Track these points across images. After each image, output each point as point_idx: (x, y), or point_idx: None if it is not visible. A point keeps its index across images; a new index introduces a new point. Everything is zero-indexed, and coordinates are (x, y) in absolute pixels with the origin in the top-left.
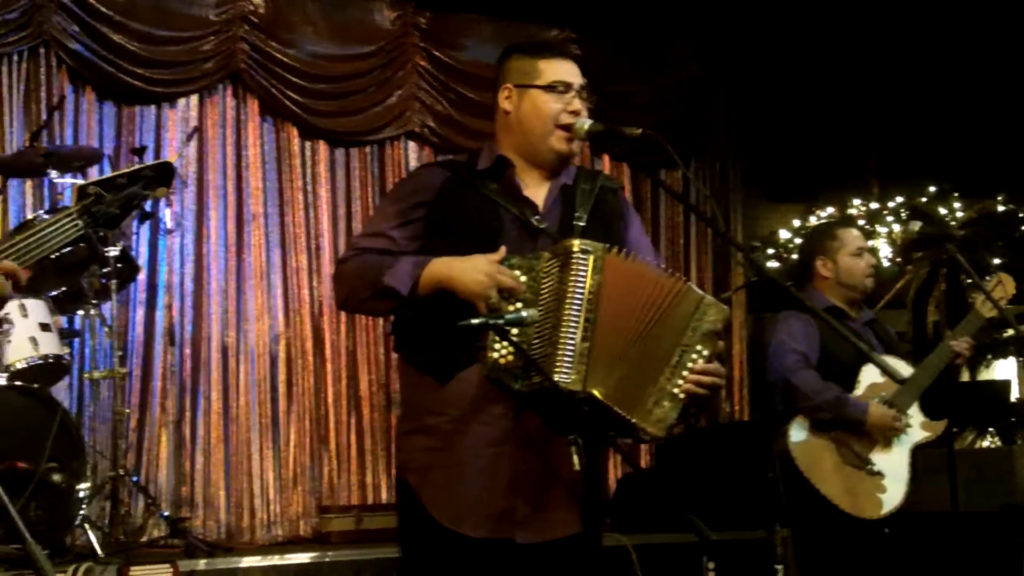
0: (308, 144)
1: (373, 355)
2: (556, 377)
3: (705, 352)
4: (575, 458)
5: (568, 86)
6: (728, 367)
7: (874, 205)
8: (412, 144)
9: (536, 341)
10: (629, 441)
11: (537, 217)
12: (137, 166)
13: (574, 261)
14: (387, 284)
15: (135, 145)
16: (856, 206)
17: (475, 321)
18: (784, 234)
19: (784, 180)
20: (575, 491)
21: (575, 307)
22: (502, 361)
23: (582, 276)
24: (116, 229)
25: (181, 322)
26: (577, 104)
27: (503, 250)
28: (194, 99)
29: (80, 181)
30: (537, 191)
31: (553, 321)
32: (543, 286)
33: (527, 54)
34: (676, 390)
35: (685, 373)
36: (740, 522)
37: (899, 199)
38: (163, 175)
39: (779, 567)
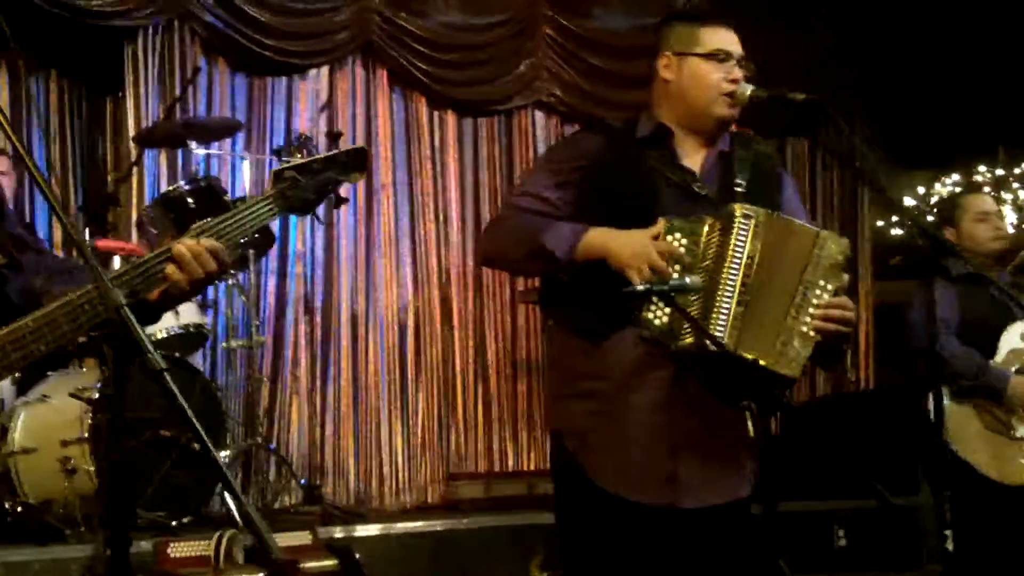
0: (436, 114)
1: (500, 324)
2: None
3: (830, 287)
4: (750, 424)
5: (728, 55)
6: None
7: (1000, 171)
8: (540, 114)
9: (694, 304)
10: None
11: (699, 184)
12: (333, 152)
13: (736, 225)
14: (546, 246)
15: (267, 116)
16: (982, 172)
17: (640, 288)
18: (909, 201)
19: (911, 146)
20: (736, 456)
21: (733, 271)
22: (657, 323)
23: (742, 240)
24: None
25: (312, 291)
26: (737, 73)
27: (661, 223)
28: (324, 70)
29: (213, 151)
30: (695, 158)
31: (712, 284)
32: (705, 250)
33: (688, 21)
34: (804, 328)
35: (812, 310)
36: (872, 491)
37: None
38: (357, 160)
39: (948, 532)
